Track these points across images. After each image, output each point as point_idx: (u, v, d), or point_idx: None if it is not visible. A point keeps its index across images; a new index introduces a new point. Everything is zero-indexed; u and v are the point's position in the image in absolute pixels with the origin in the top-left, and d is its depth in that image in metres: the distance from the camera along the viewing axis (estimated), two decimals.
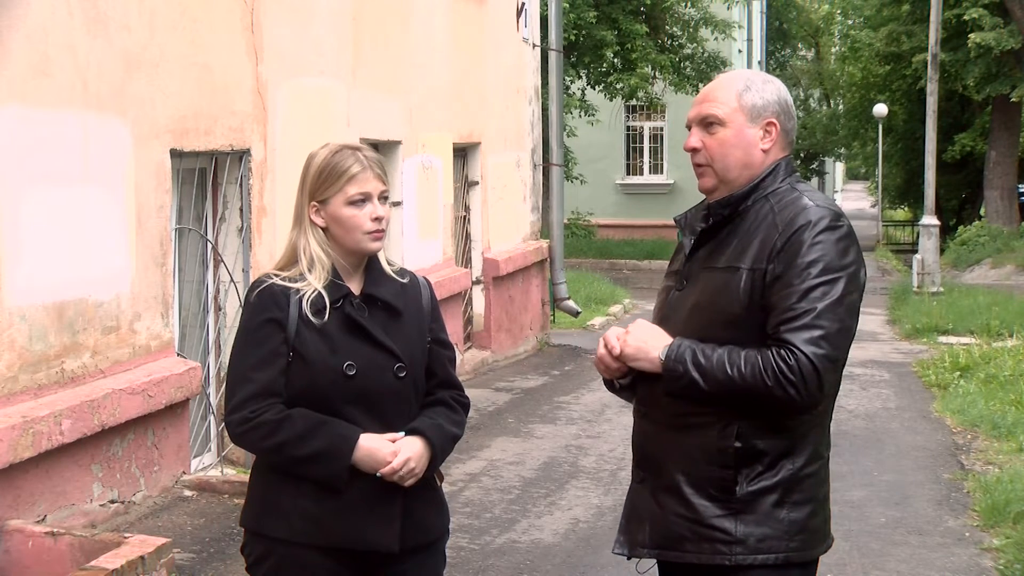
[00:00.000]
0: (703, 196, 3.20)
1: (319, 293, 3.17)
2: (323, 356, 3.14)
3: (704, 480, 3.00)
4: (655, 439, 3.10)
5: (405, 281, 3.32)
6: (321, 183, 3.20)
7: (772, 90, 3.10)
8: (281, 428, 3.11)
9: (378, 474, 3.13)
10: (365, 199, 3.19)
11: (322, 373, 3.14)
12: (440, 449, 3.24)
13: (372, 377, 3.17)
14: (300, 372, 3.14)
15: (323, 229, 3.22)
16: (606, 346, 3.09)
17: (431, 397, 3.31)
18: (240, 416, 3.13)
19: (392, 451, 3.14)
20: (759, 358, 2.88)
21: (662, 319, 3.14)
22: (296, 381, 3.15)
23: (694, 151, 3.11)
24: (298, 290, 3.17)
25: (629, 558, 3.16)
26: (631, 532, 3.14)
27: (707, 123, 3.09)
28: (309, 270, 3.19)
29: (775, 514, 2.98)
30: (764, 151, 3.08)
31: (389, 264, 3.33)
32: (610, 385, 3.23)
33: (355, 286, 3.24)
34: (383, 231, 3.23)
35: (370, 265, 3.28)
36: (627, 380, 3.16)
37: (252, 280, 3.28)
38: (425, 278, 3.45)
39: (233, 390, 3.17)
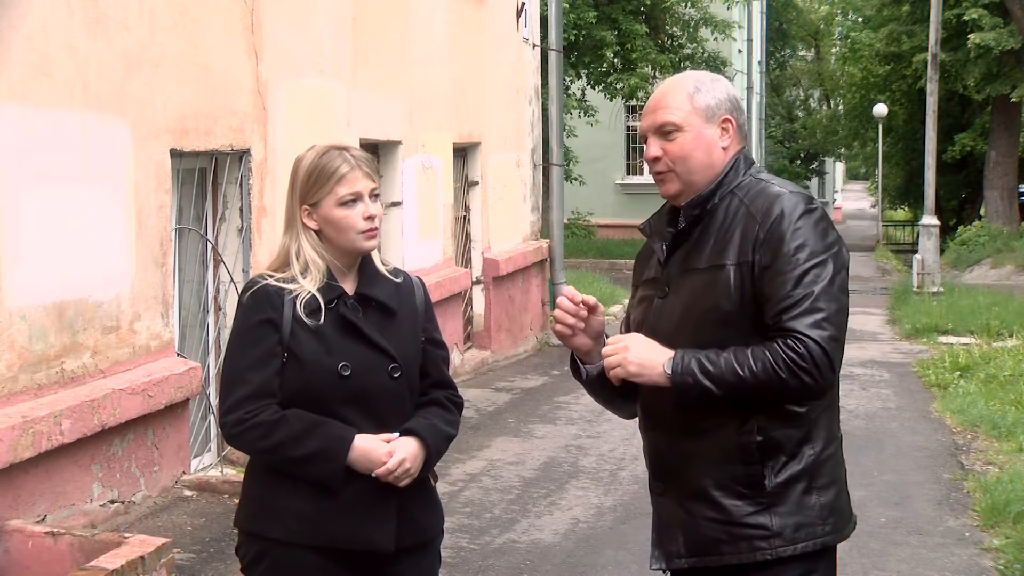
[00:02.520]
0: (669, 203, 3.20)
1: (313, 294, 3.16)
2: (318, 356, 3.14)
3: (731, 480, 2.99)
4: (671, 449, 3.08)
5: (399, 281, 3.32)
6: (311, 186, 3.19)
7: (721, 88, 3.11)
8: (277, 429, 3.11)
9: (373, 475, 3.13)
10: (356, 199, 3.19)
11: (317, 374, 3.13)
12: (435, 449, 3.24)
13: (367, 377, 3.17)
14: (295, 373, 3.14)
15: (316, 232, 3.21)
16: (571, 300, 3.09)
17: (425, 397, 3.31)
18: (235, 417, 3.13)
19: (387, 452, 3.15)
20: (767, 352, 2.87)
21: (650, 330, 3.09)
22: (291, 382, 3.14)
23: (655, 160, 3.11)
24: (292, 291, 3.17)
25: (666, 571, 3.14)
26: (664, 544, 3.12)
27: (665, 131, 3.08)
28: (303, 274, 3.18)
29: (806, 501, 2.99)
30: (724, 148, 3.09)
31: (383, 264, 3.32)
32: (577, 373, 3.23)
33: (349, 286, 3.24)
34: (376, 229, 3.23)
35: (364, 265, 3.27)
36: (595, 368, 3.15)
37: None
38: (418, 278, 3.45)
39: (228, 391, 3.16)
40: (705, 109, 3.07)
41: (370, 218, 3.20)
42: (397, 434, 3.19)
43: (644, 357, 2.97)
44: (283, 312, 3.15)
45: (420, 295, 3.37)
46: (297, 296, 3.16)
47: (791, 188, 3.04)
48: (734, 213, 3.02)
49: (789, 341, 2.86)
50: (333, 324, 3.17)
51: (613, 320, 17.88)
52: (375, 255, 3.30)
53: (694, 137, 3.06)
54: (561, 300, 3.13)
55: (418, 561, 3.26)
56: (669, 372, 2.93)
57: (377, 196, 3.24)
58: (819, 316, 2.87)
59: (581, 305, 3.11)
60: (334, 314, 3.18)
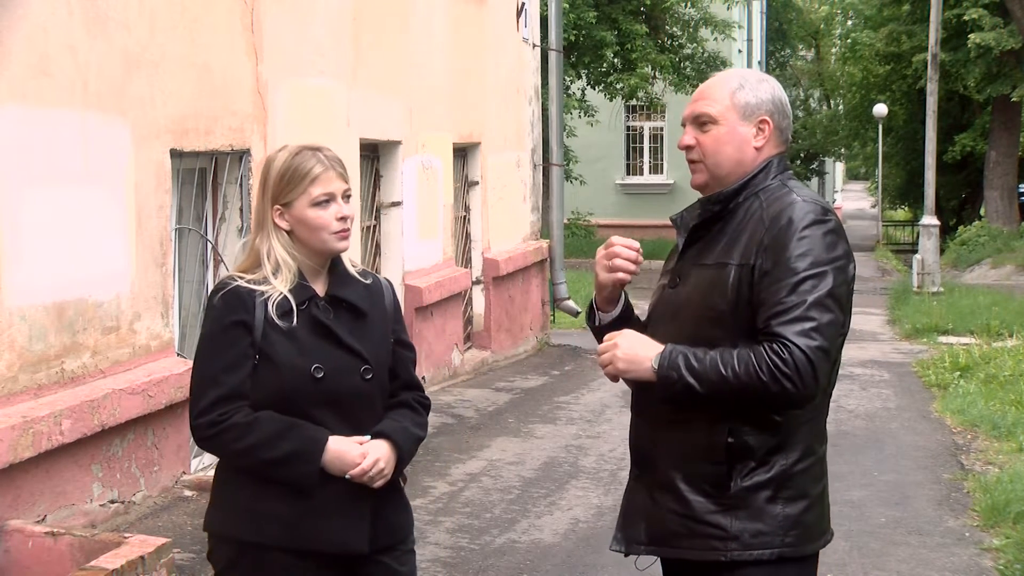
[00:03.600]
0: (701, 196, 3.22)
1: (285, 295, 3.16)
2: (291, 359, 3.13)
3: (698, 476, 3.01)
4: (649, 436, 3.11)
5: (368, 282, 3.32)
6: (284, 186, 3.18)
7: (766, 88, 3.12)
8: (250, 431, 3.10)
9: (347, 476, 3.14)
10: (329, 199, 3.18)
11: (290, 376, 3.13)
12: (406, 452, 3.25)
13: (340, 379, 3.17)
14: (268, 375, 3.13)
15: (287, 232, 3.20)
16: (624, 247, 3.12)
17: (394, 399, 3.32)
18: (208, 420, 3.12)
19: (360, 453, 3.15)
20: (751, 355, 2.88)
21: (656, 317, 3.16)
22: (264, 384, 3.14)
23: (688, 148, 3.14)
24: (264, 292, 3.15)
25: (626, 555, 3.17)
26: (627, 529, 3.16)
27: (701, 121, 3.11)
28: (274, 274, 3.18)
29: (769, 509, 2.99)
30: (757, 149, 3.10)
31: (352, 265, 3.32)
32: (591, 320, 3.26)
33: (320, 287, 3.24)
34: (349, 230, 3.23)
35: (334, 266, 3.27)
36: (608, 318, 3.20)
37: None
38: (387, 279, 3.46)
39: (200, 393, 3.15)
40: (744, 106, 3.08)
41: (343, 218, 3.20)
42: (368, 437, 3.19)
43: (632, 354, 3.00)
44: (255, 314, 3.13)
45: (389, 296, 3.37)
46: (269, 298, 3.15)
47: (808, 197, 3.04)
48: (752, 215, 3.04)
49: (775, 346, 2.87)
50: (305, 326, 3.16)
51: None
52: (344, 256, 3.30)
53: (727, 132, 3.08)
54: (620, 250, 3.12)
55: (393, 560, 3.27)
56: (655, 367, 2.96)
57: (349, 197, 3.24)
58: (808, 325, 2.87)
59: (639, 255, 3.14)
60: (306, 316, 3.17)
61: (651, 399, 3.06)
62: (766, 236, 2.97)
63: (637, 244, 3.15)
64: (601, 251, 3.17)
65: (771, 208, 3.01)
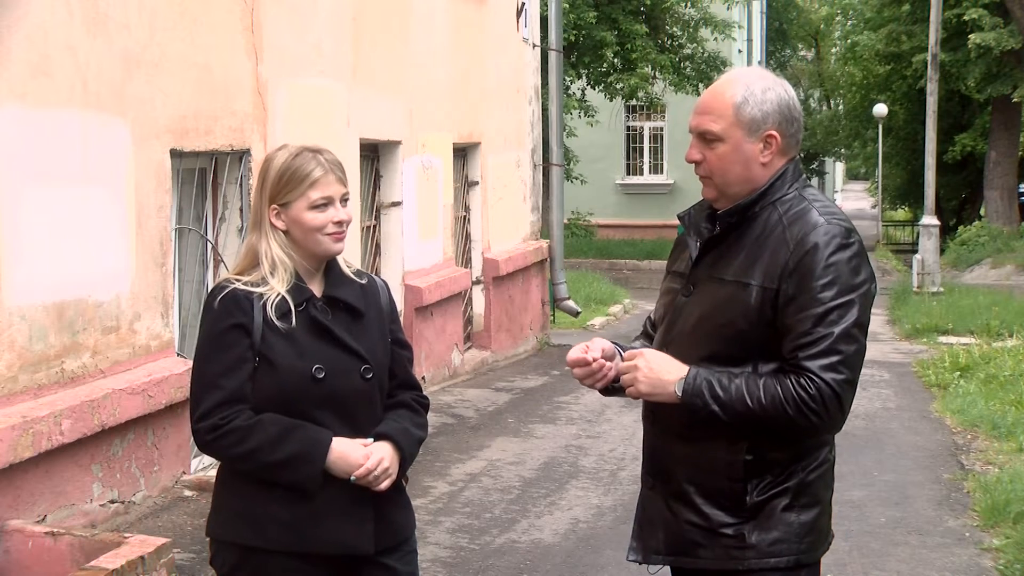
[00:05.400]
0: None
1: (283, 297, 3.15)
2: (291, 360, 3.12)
3: (714, 490, 3.00)
4: (664, 447, 3.09)
5: (364, 283, 3.32)
6: (282, 187, 3.17)
7: (772, 99, 3.00)
8: (252, 434, 3.09)
9: (352, 477, 3.13)
10: (328, 203, 3.18)
11: (291, 377, 3.12)
12: (409, 453, 3.25)
13: (340, 380, 3.16)
14: (268, 377, 3.12)
15: (284, 232, 3.20)
16: (587, 355, 3.04)
17: (392, 399, 3.31)
18: (210, 424, 3.11)
19: (364, 454, 3.15)
20: (778, 388, 2.87)
21: (669, 326, 3.12)
22: (264, 387, 3.13)
23: (696, 163, 3.07)
24: (261, 295, 3.15)
25: (642, 563, 3.17)
26: (644, 539, 3.14)
27: (706, 138, 3.03)
28: (271, 274, 3.17)
29: (785, 518, 2.99)
30: (764, 164, 3.02)
31: (347, 265, 3.32)
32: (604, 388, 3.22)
33: (316, 288, 3.24)
34: (344, 233, 3.23)
35: (329, 267, 3.27)
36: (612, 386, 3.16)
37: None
38: (383, 279, 3.46)
39: (200, 397, 3.14)
40: (749, 122, 2.99)
41: (339, 223, 3.19)
42: (371, 440, 3.19)
43: (655, 378, 2.98)
44: (253, 317, 3.13)
45: (385, 296, 3.37)
46: (267, 300, 3.14)
47: (831, 217, 2.97)
48: (771, 229, 2.98)
49: (802, 380, 2.86)
50: (304, 327, 3.16)
51: (613, 320, 17.89)
52: (340, 257, 3.30)
53: (732, 150, 3.00)
54: (579, 372, 3.06)
55: (396, 560, 3.27)
56: (679, 393, 2.94)
57: (346, 201, 3.24)
58: (835, 359, 2.86)
59: (596, 361, 3.05)
60: (304, 316, 3.17)
61: (667, 411, 3.03)
62: (791, 260, 2.91)
63: (587, 355, 3.04)
64: (575, 372, 3.11)
65: (793, 228, 2.95)
